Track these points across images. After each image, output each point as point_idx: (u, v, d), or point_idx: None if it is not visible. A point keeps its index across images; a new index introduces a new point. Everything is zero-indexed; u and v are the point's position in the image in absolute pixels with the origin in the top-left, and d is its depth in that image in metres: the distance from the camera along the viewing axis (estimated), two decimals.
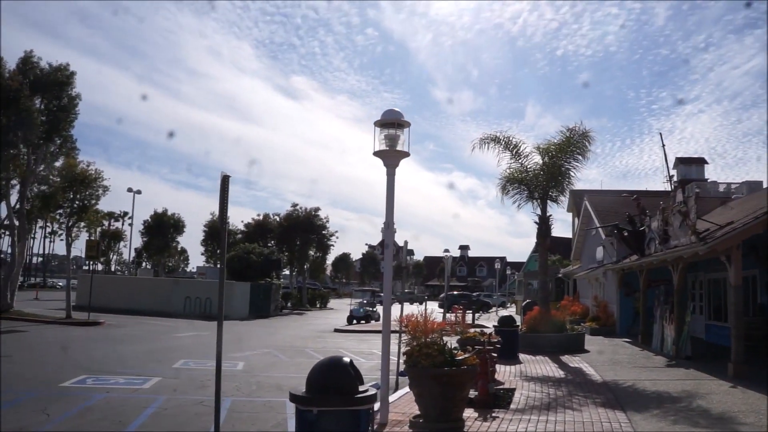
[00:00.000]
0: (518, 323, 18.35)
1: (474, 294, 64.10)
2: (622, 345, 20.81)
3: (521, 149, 19.30)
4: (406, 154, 9.21)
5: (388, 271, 9.30)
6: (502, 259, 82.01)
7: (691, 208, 15.23)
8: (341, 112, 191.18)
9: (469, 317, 32.10)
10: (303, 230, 55.12)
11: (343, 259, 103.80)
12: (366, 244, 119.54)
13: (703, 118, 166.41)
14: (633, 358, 16.77)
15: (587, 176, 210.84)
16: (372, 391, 5.57)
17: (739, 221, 14.29)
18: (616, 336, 24.59)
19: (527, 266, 59.90)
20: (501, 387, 11.44)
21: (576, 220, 39.28)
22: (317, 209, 56.74)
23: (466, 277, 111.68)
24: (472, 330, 13.63)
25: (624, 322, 25.84)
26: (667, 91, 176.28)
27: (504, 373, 13.60)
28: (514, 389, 11.39)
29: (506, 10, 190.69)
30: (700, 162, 37.55)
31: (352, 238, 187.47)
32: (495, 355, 10.90)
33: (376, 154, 9.19)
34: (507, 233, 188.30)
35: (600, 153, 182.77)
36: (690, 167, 36.28)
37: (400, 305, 14.64)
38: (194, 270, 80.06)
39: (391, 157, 9.16)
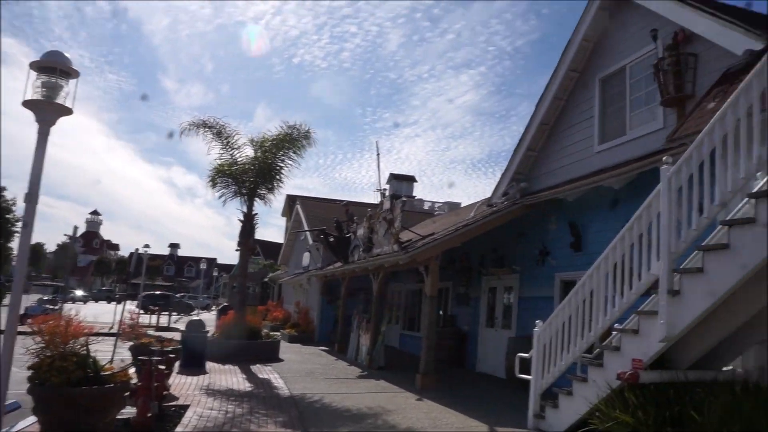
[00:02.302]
0: (209, 328, 16.66)
1: (177, 295, 60.87)
2: (318, 354, 20.17)
3: (234, 140, 17.72)
4: (67, 111, 7.09)
5: (22, 258, 7.11)
6: (212, 260, 79.64)
7: (397, 216, 14.92)
8: None
9: (167, 319, 29.94)
10: None
11: (36, 251, 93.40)
12: (65, 235, 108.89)
13: (419, 141, 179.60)
14: (327, 369, 16.04)
15: (307, 185, 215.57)
16: None
17: (440, 233, 14.25)
18: (314, 344, 24.05)
19: (236, 269, 58.26)
20: (173, 404, 9.75)
21: (290, 224, 38.73)
22: (2, 188, 49.57)
23: (173, 277, 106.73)
24: (147, 336, 11.75)
25: (324, 329, 25.49)
26: (390, 112, 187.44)
27: (185, 385, 11.91)
28: (188, 406, 9.76)
29: (250, 9, 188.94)
30: (411, 179, 39.23)
31: (53, 227, 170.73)
32: (162, 367, 9.07)
33: (27, 104, 6.96)
34: (223, 234, 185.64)
35: (322, 164, 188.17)
36: (401, 183, 37.69)
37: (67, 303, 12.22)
38: None
39: (46, 111, 6.98)
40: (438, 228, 16.73)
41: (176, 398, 10.36)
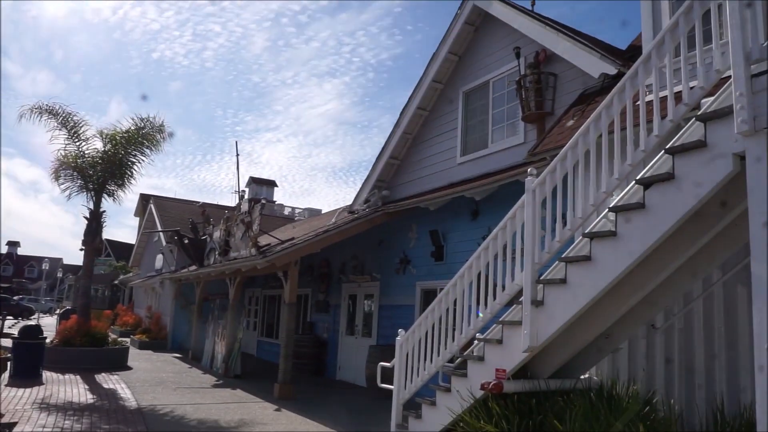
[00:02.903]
0: (48, 334, 15.41)
1: (15, 297, 56.45)
2: (171, 361, 19.26)
3: (82, 130, 16.55)
4: None
5: None
6: (58, 260, 74.74)
7: (255, 219, 14.49)
8: None
9: None
10: None
11: None
12: None
13: (280, 147, 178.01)
14: (179, 377, 15.29)
15: (163, 185, 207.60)
16: None
17: (299, 238, 13.99)
18: (167, 351, 23.00)
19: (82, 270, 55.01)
20: None
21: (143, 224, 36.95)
22: None
23: (11, 278, 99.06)
24: None
25: (177, 336, 24.45)
26: (253, 116, 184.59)
27: (14, 399, 10.86)
28: (14, 424, 8.87)
29: None
30: (271, 184, 38.82)
31: None
32: None
33: None
34: (71, 234, 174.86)
35: (180, 164, 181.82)
36: (261, 187, 37.23)
37: None
38: None
39: None
40: (298, 233, 16.46)
41: (1, 414, 9.42)
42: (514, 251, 6.53)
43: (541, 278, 6.07)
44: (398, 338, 7.94)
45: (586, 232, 5.84)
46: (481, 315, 6.76)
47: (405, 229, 13.87)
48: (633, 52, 9.79)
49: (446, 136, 13.04)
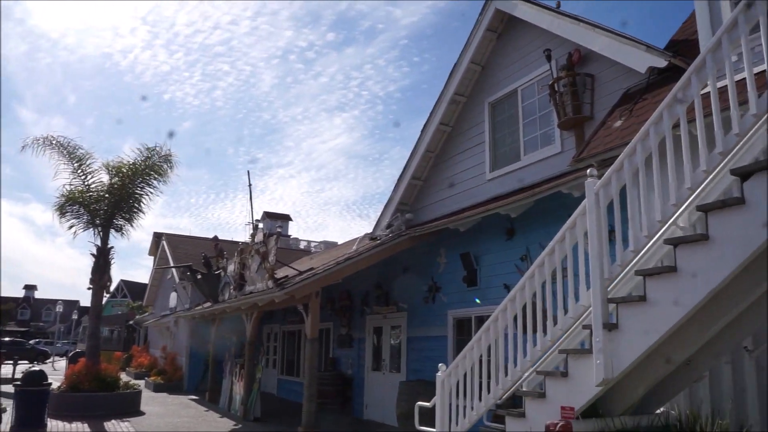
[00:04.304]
0: (53, 379, 14.41)
1: (31, 341, 55.71)
2: (186, 404, 18.23)
3: (87, 164, 15.84)
4: None
5: None
6: (74, 302, 74.17)
7: (271, 249, 13.56)
8: None
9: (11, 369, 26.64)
10: None
11: None
12: None
13: (293, 182, 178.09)
14: (195, 422, 14.25)
15: (178, 224, 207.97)
16: None
17: (319, 267, 13.05)
18: (183, 393, 21.98)
19: (103, 311, 54.26)
20: None
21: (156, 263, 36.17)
22: None
23: (28, 321, 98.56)
24: None
25: (193, 377, 23.44)
26: (264, 152, 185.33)
27: None
28: None
29: (118, 42, 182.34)
30: (286, 218, 38.08)
31: None
32: None
33: None
34: (87, 276, 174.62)
35: (194, 204, 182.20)
36: (276, 222, 36.37)
37: None
38: None
39: None
40: (316, 264, 15.51)
41: None
42: (576, 267, 5.56)
43: (613, 297, 5.10)
44: (439, 374, 6.92)
45: (667, 238, 4.87)
46: (539, 344, 5.75)
47: (432, 254, 12.87)
48: (676, 47, 8.84)
49: (473, 152, 12.12)
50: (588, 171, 5.52)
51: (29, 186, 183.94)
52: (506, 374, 6.09)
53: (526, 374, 6.00)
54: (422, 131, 13.18)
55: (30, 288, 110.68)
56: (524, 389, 6.15)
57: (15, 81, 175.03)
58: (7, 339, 50.78)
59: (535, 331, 5.82)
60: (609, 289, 5.23)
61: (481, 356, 6.42)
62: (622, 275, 5.30)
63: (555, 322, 5.63)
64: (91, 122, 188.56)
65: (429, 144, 13.04)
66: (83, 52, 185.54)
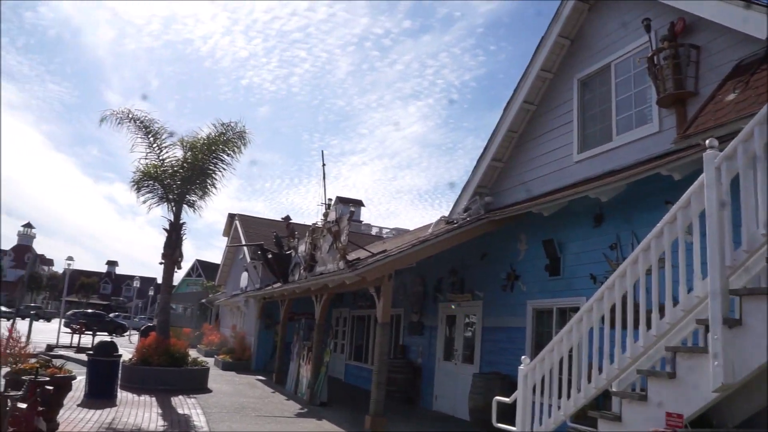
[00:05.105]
0: (125, 351, 14.39)
1: (111, 314, 57.60)
2: (253, 384, 18.05)
3: (162, 139, 15.77)
4: None
5: None
6: (152, 279, 76.22)
7: (344, 228, 13.07)
8: None
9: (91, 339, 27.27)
10: None
11: None
12: None
13: (366, 170, 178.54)
14: (261, 403, 13.97)
15: (253, 208, 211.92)
16: None
17: (393, 250, 12.49)
18: (251, 372, 21.89)
19: (178, 290, 55.66)
20: None
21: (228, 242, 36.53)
22: None
23: (109, 296, 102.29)
24: (34, 359, 9.64)
25: (261, 357, 23.34)
26: (338, 139, 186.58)
27: (82, 422, 9.80)
28: None
29: (199, 28, 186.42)
30: (358, 203, 37.76)
31: None
32: (23, 405, 6.73)
33: None
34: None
35: (268, 188, 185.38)
36: (348, 206, 36.08)
37: None
38: None
39: None
40: (389, 247, 14.96)
41: None
42: (682, 253, 4.82)
43: (735, 288, 4.35)
44: (521, 367, 6.26)
45: None
46: (641, 339, 5.02)
47: (512, 240, 12.14)
48: None
49: (559, 132, 11.33)
50: (707, 142, 4.76)
51: (114, 167, 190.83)
52: (601, 371, 5.38)
53: (625, 373, 5.29)
54: (505, 110, 12.45)
55: (112, 264, 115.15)
56: (614, 389, 5.46)
57: (103, 66, 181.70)
58: (89, 311, 52.82)
59: (636, 325, 5.10)
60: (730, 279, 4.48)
61: (571, 350, 5.73)
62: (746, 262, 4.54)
63: (662, 315, 4.90)
64: (173, 106, 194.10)
65: (512, 123, 12.30)
66: (166, 38, 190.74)
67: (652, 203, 8.62)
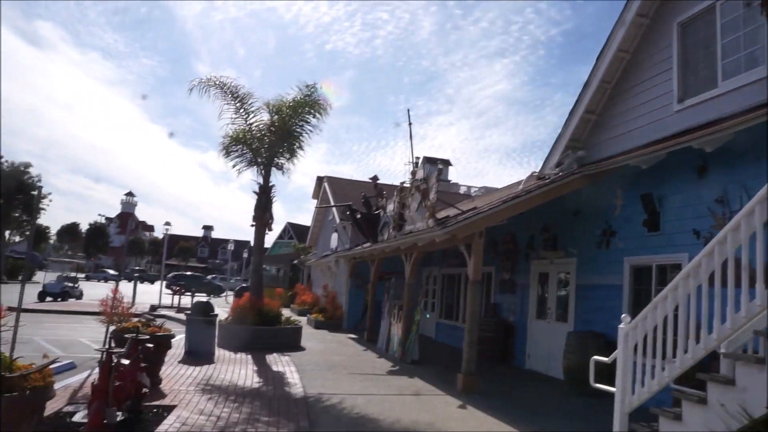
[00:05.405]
0: (218, 311, 14.76)
1: (209, 276, 59.82)
2: (345, 342, 18.32)
3: (248, 103, 15.93)
4: None
5: None
6: (245, 242, 78.37)
7: (432, 186, 12.89)
8: (91, 71, 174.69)
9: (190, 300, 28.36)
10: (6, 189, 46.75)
11: (70, 230, 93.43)
12: (99, 215, 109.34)
13: (452, 130, 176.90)
14: (352, 361, 14.14)
15: (341, 171, 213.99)
16: None
17: (484, 206, 12.24)
18: (342, 331, 22.25)
19: (270, 252, 57.13)
20: (158, 404, 8.00)
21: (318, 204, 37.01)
22: (28, 165, 48.76)
23: (206, 259, 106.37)
24: (136, 319, 10.01)
25: (352, 315, 23.66)
26: (424, 100, 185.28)
27: (181, 379, 10.17)
28: (173, 407, 7.96)
29: None
30: (446, 163, 37.36)
31: (91, 208, 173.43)
32: (127, 362, 6.93)
33: None
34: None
35: (356, 151, 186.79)
36: (435, 166, 35.75)
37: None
38: None
39: None
40: (479, 204, 14.69)
41: (164, 396, 8.63)
42: None
43: None
44: (622, 326, 5.98)
45: None
46: (758, 297, 4.67)
47: (608, 195, 11.67)
48: None
49: (657, 80, 10.70)
50: None
51: (207, 136, 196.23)
52: (711, 331, 5.05)
53: (736, 333, 4.95)
54: (597, 59, 11.87)
55: (208, 228, 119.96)
56: (722, 351, 5.12)
57: (191, 38, 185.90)
58: (188, 273, 55.22)
59: (752, 284, 4.74)
60: None
61: (676, 308, 5.41)
62: None
63: None
64: (259, 74, 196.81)
65: (605, 73, 11.73)
66: (251, 7, 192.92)
67: (764, 153, 8.03)
